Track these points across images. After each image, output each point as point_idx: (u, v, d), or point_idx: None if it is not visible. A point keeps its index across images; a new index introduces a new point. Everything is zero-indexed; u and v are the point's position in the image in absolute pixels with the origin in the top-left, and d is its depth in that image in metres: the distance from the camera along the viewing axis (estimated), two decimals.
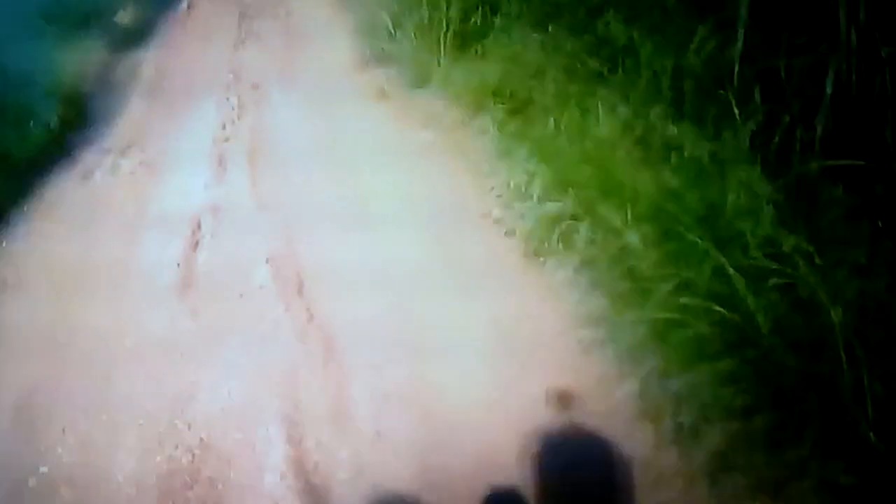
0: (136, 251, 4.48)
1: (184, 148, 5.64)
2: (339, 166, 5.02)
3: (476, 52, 5.21)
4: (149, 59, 7.52)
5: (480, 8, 5.41)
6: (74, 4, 7.94)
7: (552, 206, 3.91)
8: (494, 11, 5.43)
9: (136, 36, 8.05)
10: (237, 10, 8.34)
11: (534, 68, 4.60)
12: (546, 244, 3.87)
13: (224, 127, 5.77)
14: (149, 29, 8.27)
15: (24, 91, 6.16)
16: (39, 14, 7.49)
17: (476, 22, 5.35)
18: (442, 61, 5.39)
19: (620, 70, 4.21)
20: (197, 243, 4.52)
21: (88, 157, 5.68)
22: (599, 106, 3.96)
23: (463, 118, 4.95)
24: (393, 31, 6.04)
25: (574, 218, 3.79)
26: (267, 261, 4.16)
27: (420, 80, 5.53)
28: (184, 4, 8.80)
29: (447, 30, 5.38)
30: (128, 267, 4.35)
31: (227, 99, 6.18)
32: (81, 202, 5.12)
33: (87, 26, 7.78)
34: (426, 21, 5.61)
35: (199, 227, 4.65)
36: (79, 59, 7.17)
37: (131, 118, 6.31)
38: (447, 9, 5.51)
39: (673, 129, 3.64)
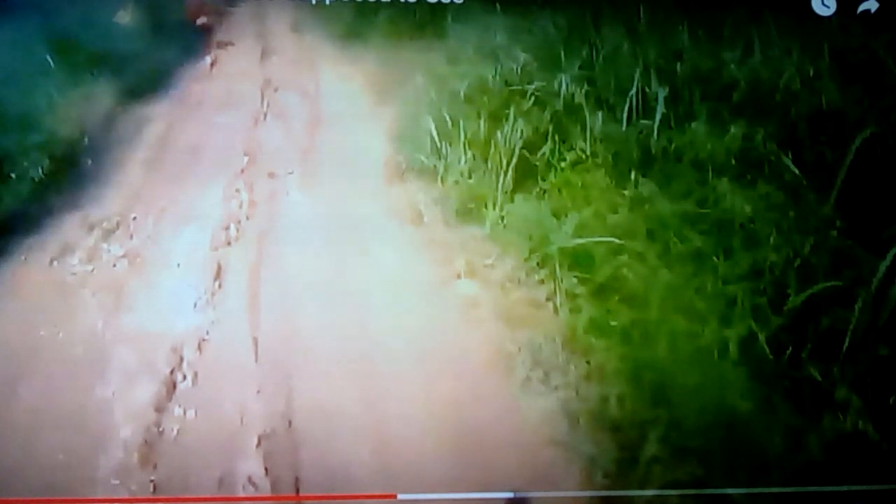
0: (92, 383, 3.65)
1: (178, 245, 4.76)
2: (355, 305, 4.14)
3: (543, 192, 4.27)
4: (158, 116, 6.69)
5: (550, 138, 4.46)
6: (86, 41, 7.22)
7: None
8: (564, 139, 4.53)
9: (149, 85, 7.26)
10: (262, 75, 7.53)
11: (619, 232, 3.68)
12: None
13: (228, 227, 4.88)
14: (164, 79, 7.48)
15: (13, 135, 5.46)
16: (48, 47, 6.78)
17: (545, 153, 4.42)
18: (500, 194, 4.41)
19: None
20: (174, 386, 3.64)
21: (69, 230, 4.91)
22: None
23: (519, 275, 3.98)
24: (438, 142, 5.02)
25: None
26: (258, 442, 3.25)
27: (467, 211, 4.54)
28: (207, 59, 8.01)
29: (512, 154, 4.42)
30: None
31: (237, 191, 5.30)
32: (42, 292, 4.33)
33: (97, 68, 7.05)
34: (482, 137, 4.71)
35: (179, 364, 3.77)
36: (81, 106, 6.38)
37: (125, 189, 5.46)
38: (513, 123, 4.60)
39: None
